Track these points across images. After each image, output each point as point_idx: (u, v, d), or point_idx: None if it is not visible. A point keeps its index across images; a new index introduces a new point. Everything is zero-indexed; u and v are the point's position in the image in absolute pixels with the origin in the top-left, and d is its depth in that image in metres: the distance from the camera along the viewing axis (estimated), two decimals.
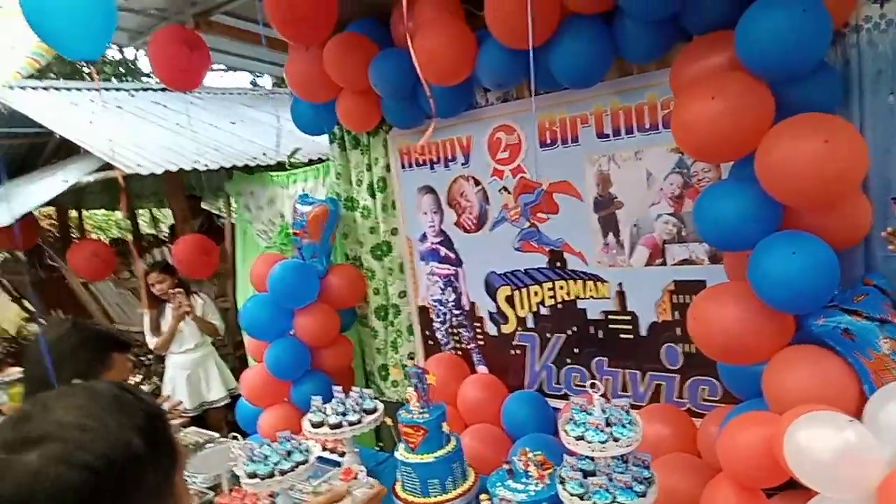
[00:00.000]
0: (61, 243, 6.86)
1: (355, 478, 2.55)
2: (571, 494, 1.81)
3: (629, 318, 2.83)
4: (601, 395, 1.91)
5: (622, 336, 2.86)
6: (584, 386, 2.92)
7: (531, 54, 1.94)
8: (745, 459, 1.53)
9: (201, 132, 5.27)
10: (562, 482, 1.89)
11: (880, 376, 1.77)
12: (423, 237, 3.55)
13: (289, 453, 2.51)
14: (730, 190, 2.05)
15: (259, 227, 4.56)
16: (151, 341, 4.47)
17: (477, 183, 3.25)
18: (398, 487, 2.49)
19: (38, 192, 4.82)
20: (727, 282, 2.19)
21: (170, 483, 0.79)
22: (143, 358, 5.35)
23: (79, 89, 5.97)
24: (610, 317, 2.89)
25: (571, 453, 1.91)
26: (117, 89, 6.45)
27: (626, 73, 2.65)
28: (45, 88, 5.71)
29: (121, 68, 9.96)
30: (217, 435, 3.51)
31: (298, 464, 2.46)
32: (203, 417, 4.52)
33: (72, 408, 0.73)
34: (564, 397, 3.09)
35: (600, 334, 2.94)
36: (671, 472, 2.16)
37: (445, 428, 2.43)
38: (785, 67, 1.89)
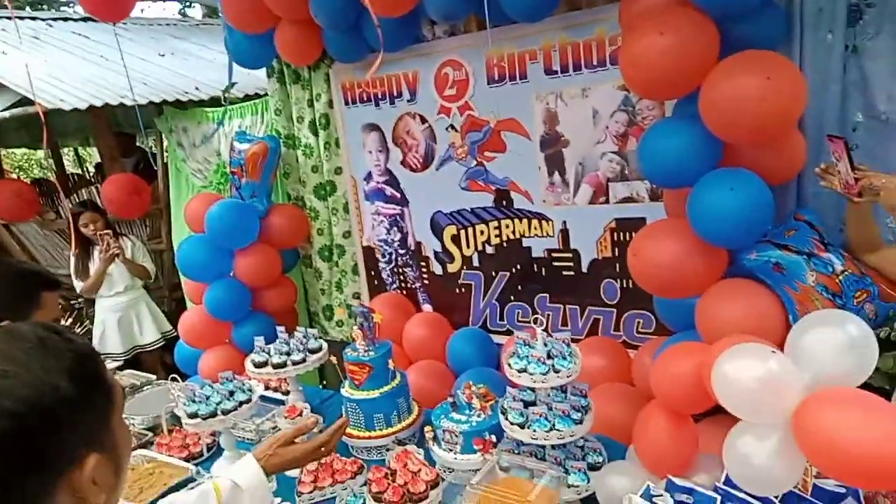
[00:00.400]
0: None
1: (300, 415, 2.55)
2: (512, 423, 1.86)
3: (571, 255, 2.87)
4: (543, 327, 1.95)
5: (564, 273, 2.91)
6: (527, 321, 3.00)
7: None
8: (677, 387, 1.59)
9: (128, 65, 4.92)
10: (503, 413, 1.93)
11: (805, 307, 1.86)
12: (368, 176, 3.48)
13: (231, 393, 2.48)
14: (673, 128, 2.07)
15: (193, 166, 4.36)
16: (78, 285, 4.28)
17: (423, 120, 3.18)
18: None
19: None
20: (666, 218, 2.24)
21: (106, 425, 0.76)
22: (73, 301, 5.12)
23: None
24: (553, 254, 2.93)
25: (514, 386, 1.96)
26: (33, 18, 5.92)
27: (575, 8, 2.60)
28: None
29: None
30: (154, 377, 3.44)
31: (241, 403, 2.43)
32: (137, 361, 4.41)
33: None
34: (508, 333, 3.14)
35: (543, 272, 2.98)
36: (607, 400, 2.25)
37: (391, 365, 2.44)
38: (732, 3, 1.88)
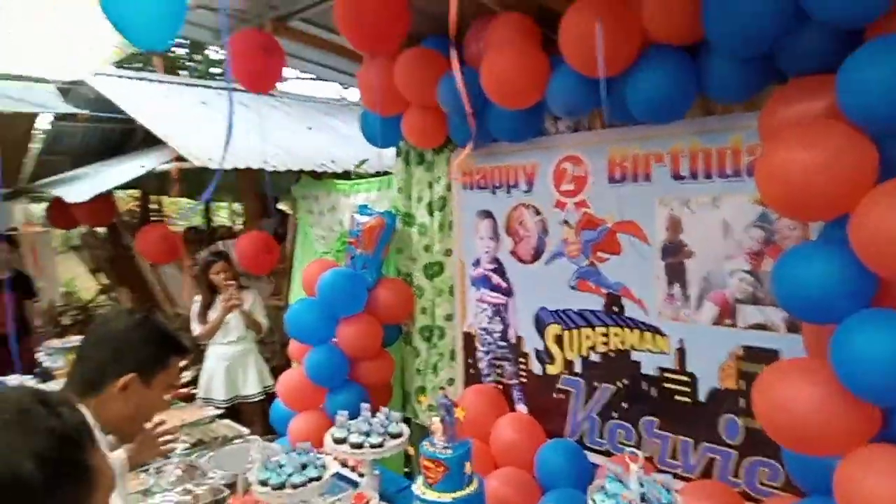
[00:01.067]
0: (139, 226, 7.16)
1: (367, 501, 2.43)
2: None
3: (688, 379, 2.57)
4: (640, 465, 1.70)
5: (677, 398, 2.60)
6: (630, 445, 2.70)
7: (602, 82, 1.77)
8: None
9: (277, 134, 5.36)
10: None
11: None
12: (477, 262, 3.41)
13: (304, 466, 2.43)
14: (817, 253, 1.80)
15: (318, 233, 4.56)
16: (196, 328, 4.53)
17: (538, 212, 3.09)
18: None
19: (117, 174, 5.03)
20: (804, 357, 1.93)
21: None
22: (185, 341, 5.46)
23: (170, 83, 6.25)
24: (666, 374, 2.65)
25: None
26: (206, 86, 6.70)
27: (709, 113, 2.43)
28: (139, 79, 5.99)
29: (215, 67, 10.44)
30: (246, 431, 3.49)
31: (311, 479, 2.37)
32: (237, 411, 4.53)
33: None
34: (606, 454, 2.85)
35: (653, 392, 2.69)
36: None
37: (468, 468, 2.27)
38: (893, 120, 1.64)
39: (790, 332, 2.24)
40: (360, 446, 2.58)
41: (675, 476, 2.58)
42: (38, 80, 5.70)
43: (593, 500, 1.69)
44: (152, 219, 7.84)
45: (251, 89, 3.48)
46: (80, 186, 5.24)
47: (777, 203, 1.87)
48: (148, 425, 2.12)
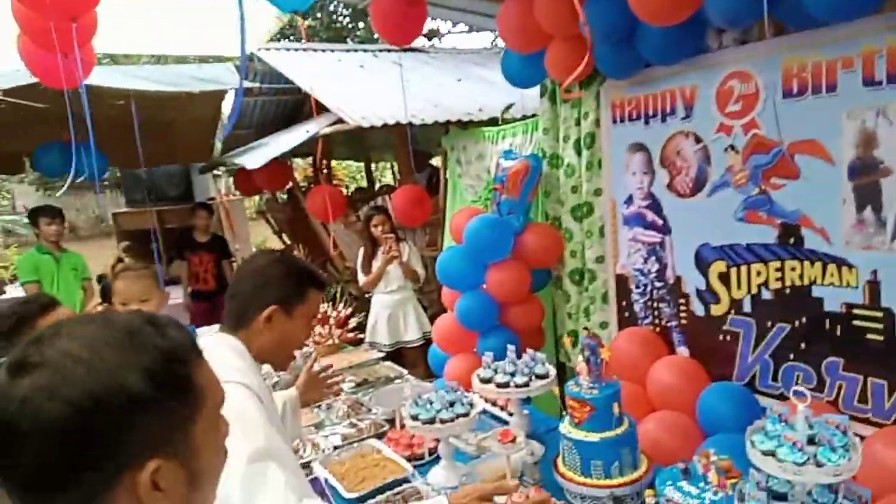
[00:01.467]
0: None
1: (513, 441, 2.41)
2: None
3: (881, 314, 2.21)
4: (808, 404, 1.49)
5: (869, 336, 2.26)
6: (810, 387, 2.41)
7: None
8: None
9: (426, 89, 5.44)
10: (741, 499, 1.53)
11: None
12: (629, 200, 3.21)
13: (451, 403, 2.47)
14: None
15: (467, 182, 4.58)
16: (361, 278, 4.83)
17: (698, 140, 2.80)
18: (559, 461, 2.30)
19: (287, 140, 5.45)
20: None
21: (185, 432, 0.71)
22: (352, 293, 5.84)
23: (332, 51, 6.59)
24: (854, 311, 2.30)
25: (760, 469, 1.54)
26: (364, 51, 6.98)
27: None
28: (303, 50, 6.39)
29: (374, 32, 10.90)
30: (406, 372, 3.66)
31: (458, 415, 2.41)
32: (400, 354, 4.78)
33: (77, 336, 0.68)
34: (781, 398, 2.56)
35: (838, 331, 2.36)
36: None
37: (616, 409, 2.16)
38: None
39: None
40: (505, 385, 2.57)
41: (867, 422, 2.25)
42: (216, 59, 6.32)
43: (751, 442, 1.51)
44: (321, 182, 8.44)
45: (393, 42, 3.54)
46: (258, 155, 5.78)
47: None
48: (316, 368, 2.31)
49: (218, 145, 8.15)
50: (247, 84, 5.97)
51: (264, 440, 1.32)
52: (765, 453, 1.44)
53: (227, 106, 7.69)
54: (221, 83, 6.05)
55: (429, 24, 11.19)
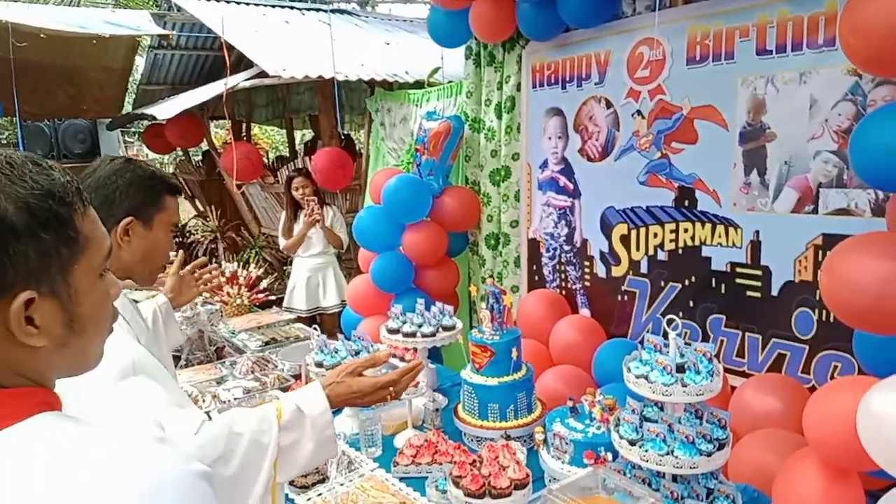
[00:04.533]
0: None
1: (415, 386, 2.44)
2: (622, 438, 1.54)
3: (760, 273, 2.38)
4: (679, 333, 1.59)
5: (749, 293, 2.42)
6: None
7: None
8: (835, 431, 1.15)
9: (355, 50, 5.34)
10: (616, 424, 1.61)
11: None
12: (544, 164, 3.28)
13: (357, 352, 2.47)
14: None
15: (390, 145, 4.55)
16: (282, 242, 4.71)
17: (609, 105, 2.90)
18: (459, 407, 2.35)
19: (203, 94, 5.22)
20: (880, 231, 1.71)
21: (63, 270, 0.71)
22: (265, 257, 5.72)
23: (256, 4, 6.34)
24: (738, 269, 2.46)
25: (638, 397, 1.63)
26: (292, 8, 6.75)
27: None
28: (227, 2, 6.11)
29: None
30: (316, 332, 3.63)
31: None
32: (317, 320, 4.72)
33: None
34: None
35: (723, 288, 2.51)
36: (766, 447, 1.79)
37: (515, 355, 2.23)
38: None
39: (875, 215, 2.00)
40: (412, 335, 2.59)
41: (742, 374, 2.42)
42: (126, 4, 5.96)
43: (628, 368, 1.60)
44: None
45: None
46: (170, 106, 5.51)
47: (860, 56, 1.62)
48: (186, 270, 2.20)
49: (129, 105, 7.71)
50: (162, 31, 5.67)
51: (128, 356, 1.28)
52: (638, 377, 1.53)
53: (141, 59, 7.31)
54: (137, 29, 5.72)
55: None
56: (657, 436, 1.47)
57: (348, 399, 1.40)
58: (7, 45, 4.57)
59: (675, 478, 1.53)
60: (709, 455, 1.43)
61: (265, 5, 5.98)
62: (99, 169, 1.52)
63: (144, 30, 5.63)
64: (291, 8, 6.39)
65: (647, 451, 1.47)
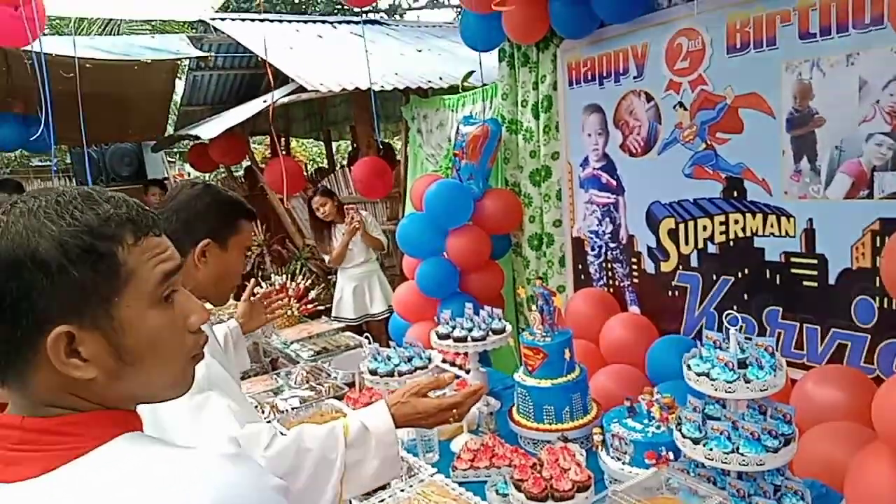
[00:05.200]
0: None
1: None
2: (685, 437, 1.53)
3: (816, 261, 2.32)
4: (739, 329, 1.57)
5: (805, 283, 2.36)
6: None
7: None
8: None
9: (387, 59, 5.41)
10: (678, 424, 1.60)
11: None
12: (585, 161, 3.26)
13: (410, 358, 2.50)
14: None
15: (428, 151, 4.59)
16: (326, 257, 4.80)
17: (649, 98, 2.87)
18: (514, 410, 2.35)
19: (245, 112, 5.36)
20: None
21: (105, 306, 0.71)
22: (311, 268, 5.81)
23: (290, 21, 6.48)
24: (792, 259, 2.40)
25: (699, 395, 1.61)
26: (324, 22, 6.87)
27: None
28: (260, 20, 6.26)
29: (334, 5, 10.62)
30: (366, 340, 3.68)
31: (417, 368, 2.44)
32: (366, 328, 4.79)
33: (23, 201, 0.71)
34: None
35: (778, 280, 2.46)
36: (833, 440, 1.74)
37: (568, 355, 2.22)
38: None
39: None
40: (462, 340, 2.61)
41: (802, 367, 2.36)
42: (171, 27, 6.16)
43: (688, 365, 1.58)
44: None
45: (353, 3, 3.50)
46: (213, 126, 5.66)
47: None
48: (256, 298, 2.28)
49: (170, 127, 7.96)
50: (201, 53, 5.84)
51: (203, 370, 1.33)
52: (699, 375, 1.51)
53: (180, 82, 7.52)
54: (175, 52, 5.91)
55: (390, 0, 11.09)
56: (721, 433, 1.46)
57: (412, 420, 1.43)
58: (57, 77, 4.77)
59: (740, 475, 1.51)
60: (775, 451, 1.41)
61: (298, 21, 6.10)
62: (181, 193, 1.60)
63: (183, 53, 5.81)
64: (324, 22, 6.52)
65: (711, 449, 1.45)
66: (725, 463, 1.43)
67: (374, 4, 3.56)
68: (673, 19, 2.70)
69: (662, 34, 2.75)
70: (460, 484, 2.06)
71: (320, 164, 10.15)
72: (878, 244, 2.10)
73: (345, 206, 4.64)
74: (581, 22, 2.97)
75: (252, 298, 2.28)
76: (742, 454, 1.41)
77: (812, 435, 1.89)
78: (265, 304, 2.34)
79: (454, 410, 1.47)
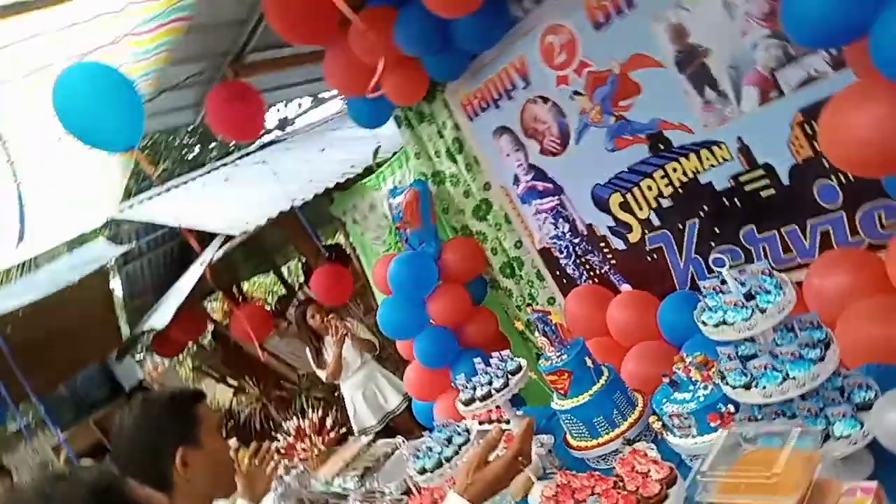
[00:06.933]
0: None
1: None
2: (735, 387, 1.51)
3: (763, 172, 2.38)
4: (728, 267, 1.58)
5: (763, 194, 2.42)
6: (740, 264, 2.53)
7: None
8: None
9: (295, 168, 5.46)
10: (722, 378, 1.58)
11: None
12: (516, 180, 3.32)
13: (448, 440, 2.44)
14: None
15: (371, 235, 4.60)
16: (322, 374, 4.68)
17: (545, 100, 2.96)
18: (568, 437, 2.30)
19: (186, 285, 5.30)
20: (854, 81, 1.73)
21: None
22: (306, 398, 5.69)
23: (193, 179, 6.51)
24: (741, 179, 2.46)
25: (724, 343, 1.60)
26: (224, 164, 6.91)
27: None
28: (166, 191, 6.26)
29: (229, 146, 10.74)
30: (401, 439, 3.56)
31: (460, 447, 2.38)
32: (391, 429, 4.64)
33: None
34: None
35: (738, 202, 2.51)
36: (867, 320, 1.75)
37: (590, 363, 2.20)
38: None
39: (837, 70, 2.02)
40: (488, 396, 2.55)
41: (798, 267, 2.39)
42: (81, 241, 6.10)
43: (703, 322, 1.58)
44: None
45: (241, 139, 3.56)
46: (164, 311, 5.56)
47: None
48: (245, 465, 2.05)
49: (125, 327, 7.78)
50: (124, 248, 5.79)
51: None
52: (716, 325, 1.51)
53: (116, 281, 7.41)
54: (100, 259, 5.85)
55: (278, 115, 11.31)
56: (765, 368, 1.45)
57: (489, 490, 1.39)
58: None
59: (803, 396, 1.49)
60: (821, 359, 1.40)
61: (200, 175, 6.14)
62: (123, 425, 1.48)
63: (107, 255, 5.75)
64: (224, 165, 6.57)
65: (764, 387, 1.44)
66: (784, 393, 1.41)
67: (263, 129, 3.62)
68: (535, 25, 2.82)
69: (532, 41, 2.85)
70: None
71: (279, 294, 10.06)
72: (809, 131, 2.17)
73: (325, 321, 4.57)
74: (454, 63, 3.08)
75: (242, 469, 2.03)
76: (794, 378, 1.40)
77: (845, 325, 1.89)
78: (257, 463, 2.13)
79: (519, 459, 1.43)
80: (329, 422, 4.31)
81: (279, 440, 4.11)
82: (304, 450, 4.07)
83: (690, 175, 2.60)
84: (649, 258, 2.92)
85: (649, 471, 1.65)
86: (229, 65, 3.50)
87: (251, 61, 3.61)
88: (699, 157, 2.54)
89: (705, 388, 1.83)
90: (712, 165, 2.51)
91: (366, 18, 2.90)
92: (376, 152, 4.48)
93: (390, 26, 2.83)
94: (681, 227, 2.74)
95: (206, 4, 2.47)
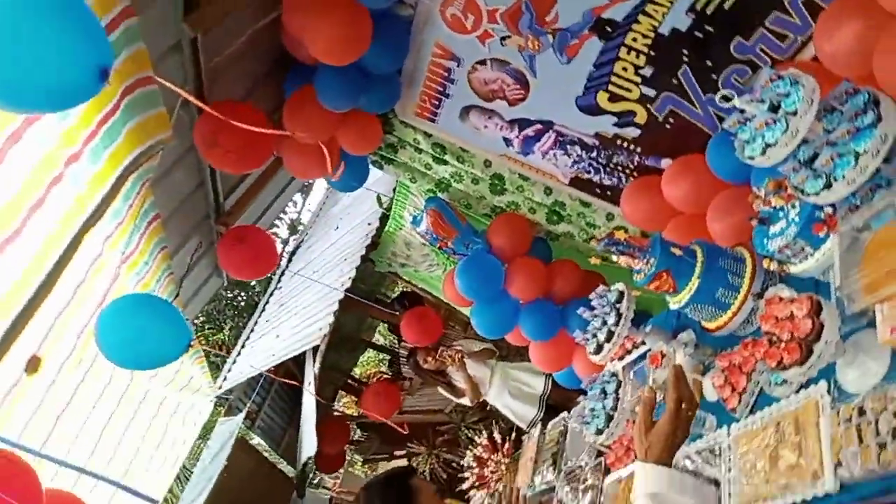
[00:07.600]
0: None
1: (663, 356, 2.37)
2: (817, 193, 1.46)
3: None
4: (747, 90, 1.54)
5: (725, 6, 2.35)
6: (749, 78, 2.46)
7: None
8: None
9: (325, 253, 5.62)
10: (802, 192, 1.54)
11: None
12: (507, 142, 3.31)
13: (603, 392, 2.46)
14: None
15: (424, 267, 4.67)
16: (465, 401, 4.79)
17: (482, 62, 2.96)
18: (704, 324, 2.27)
19: (309, 408, 5.51)
20: None
21: None
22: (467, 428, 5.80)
23: (252, 331, 6.76)
24: (697, 6, 2.40)
25: (782, 163, 1.56)
26: (270, 295, 7.13)
27: None
28: (238, 355, 6.51)
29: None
30: (566, 414, 3.56)
31: (616, 392, 2.39)
32: (553, 406, 4.66)
33: None
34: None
35: (709, 28, 2.44)
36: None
37: (678, 251, 2.17)
38: None
39: None
40: (610, 336, 2.53)
41: (803, 45, 2.30)
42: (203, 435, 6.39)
43: (750, 158, 1.54)
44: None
45: (265, 271, 3.68)
46: (308, 440, 5.78)
47: None
48: None
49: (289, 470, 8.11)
50: (242, 414, 6.09)
51: None
52: (762, 153, 1.47)
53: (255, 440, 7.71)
54: (231, 433, 6.12)
55: (286, 223, 11.61)
56: (833, 159, 1.40)
57: (671, 447, 1.37)
58: None
59: (887, 160, 1.42)
60: (880, 119, 1.35)
61: (259, 315, 6.35)
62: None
63: (234, 427, 6.02)
64: (270, 294, 6.81)
65: (843, 177, 1.39)
66: (864, 172, 1.37)
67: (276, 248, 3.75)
68: (429, 10, 2.81)
69: (436, 25, 2.86)
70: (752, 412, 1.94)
71: (384, 365, 10.29)
72: None
73: (440, 356, 4.69)
74: (386, 90, 3.12)
75: None
76: (864, 151, 1.35)
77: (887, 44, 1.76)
78: None
79: (684, 405, 1.41)
80: (497, 436, 4.39)
81: (468, 477, 4.23)
82: (493, 472, 4.17)
83: (651, 35, 2.54)
84: (666, 125, 2.86)
85: (792, 312, 1.62)
86: (215, 222, 3.62)
87: (230, 206, 3.72)
88: (648, 15, 2.48)
89: (793, 206, 1.77)
90: (664, 14, 2.46)
91: (289, 110, 3.00)
92: (379, 200, 4.55)
93: (314, 99, 2.89)
94: (675, 81, 2.68)
95: (162, 196, 2.58)
